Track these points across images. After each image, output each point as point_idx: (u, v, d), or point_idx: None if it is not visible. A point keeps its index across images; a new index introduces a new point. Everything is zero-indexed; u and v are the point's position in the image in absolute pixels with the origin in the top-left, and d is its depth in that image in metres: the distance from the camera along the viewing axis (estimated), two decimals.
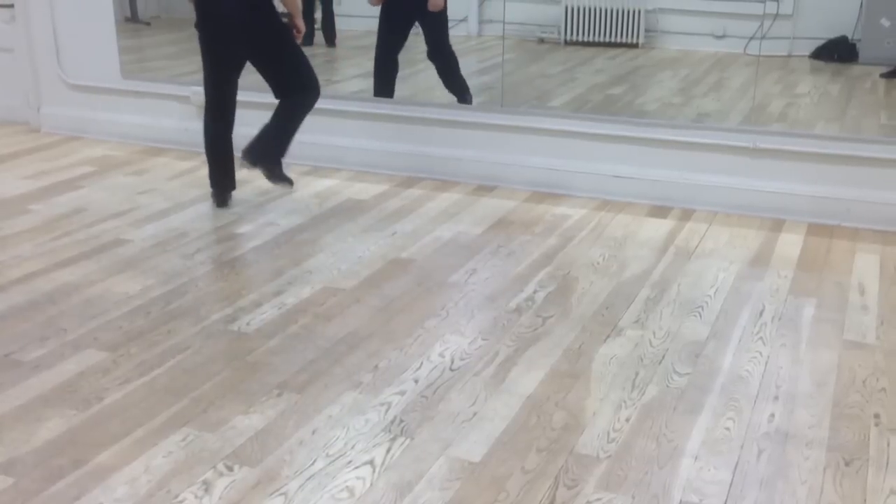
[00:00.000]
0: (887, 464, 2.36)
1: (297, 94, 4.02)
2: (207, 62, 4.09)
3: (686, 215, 4.24)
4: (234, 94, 4.17)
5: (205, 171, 4.87)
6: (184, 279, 3.49)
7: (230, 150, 4.21)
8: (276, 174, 4.12)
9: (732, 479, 2.29)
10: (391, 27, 5.00)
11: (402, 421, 2.54)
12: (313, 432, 2.48)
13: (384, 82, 5.03)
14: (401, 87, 5.08)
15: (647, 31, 5.82)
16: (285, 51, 4.01)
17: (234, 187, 4.33)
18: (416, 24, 5.01)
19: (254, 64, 4.04)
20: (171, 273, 3.54)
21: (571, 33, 5.95)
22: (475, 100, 4.97)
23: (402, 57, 5.04)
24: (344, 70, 5.94)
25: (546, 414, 2.58)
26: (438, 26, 5.00)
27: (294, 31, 4.06)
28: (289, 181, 4.18)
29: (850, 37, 5.23)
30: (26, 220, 4.12)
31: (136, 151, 5.24)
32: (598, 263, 3.67)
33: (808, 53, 5.36)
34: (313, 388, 2.71)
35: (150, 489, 2.23)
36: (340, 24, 5.86)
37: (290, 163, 4.89)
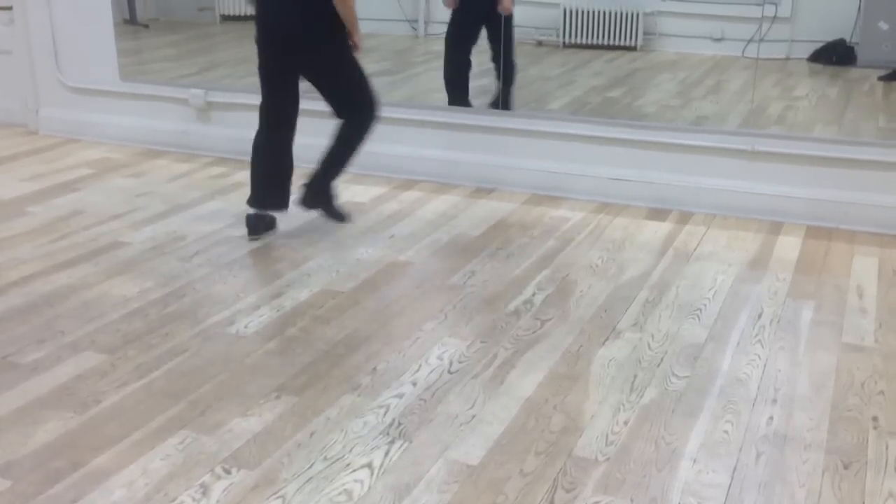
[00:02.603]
0: (886, 467, 2.36)
1: (350, 116, 3.81)
2: (261, 73, 3.80)
3: (684, 218, 4.24)
4: (292, 104, 3.83)
5: (203, 174, 4.89)
6: (182, 282, 3.48)
7: (279, 162, 3.91)
8: (331, 213, 3.95)
9: (731, 482, 2.29)
10: (461, 32, 4.96)
11: (400, 424, 2.54)
12: (311, 435, 2.48)
13: (459, 89, 4.95)
14: (399, 89, 5.08)
15: (645, 33, 5.82)
16: (343, 70, 3.73)
17: (281, 206, 3.93)
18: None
19: (308, 79, 3.78)
20: (170, 276, 3.54)
21: (570, 36, 5.95)
22: (473, 102, 4.97)
23: (399, 58, 5.03)
24: None
25: (544, 417, 2.58)
26: (504, 33, 4.92)
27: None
28: (344, 217, 3.99)
29: (848, 40, 5.23)
30: (24, 222, 4.11)
31: (135, 154, 5.24)
32: (596, 266, 3.67)
33: (806, 56, 5.36)
34: (311, 390, 2.71)
35: (147, 492, 2.23)
36: None
37: None
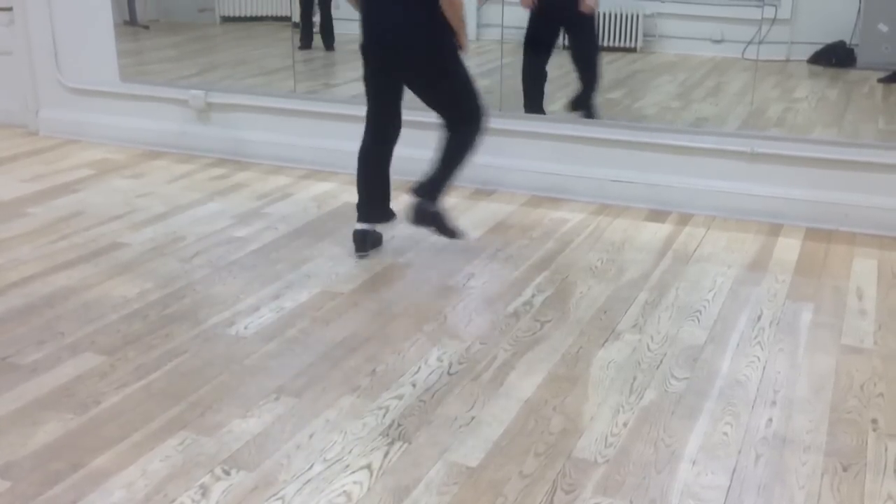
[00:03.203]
0: (885, 469, 2.36)
1: (458, 127, 3.64)
2: (366, 82, 3.70)
3: (684, 220, 4.24)
4: (396, 117, 3.74)
5: (203, 175, 4.89)
6: (182, 283, 3.48)
7: (379, 175, 3.78)
8: (444, 230, 3.70)
9: (730, 484, 2.29)
10: (538, 37, 4.88)
11: (399, 425, 2.54)
12: (311, 436, 2.48)
13: (535, 96, 4.86)
14: None
15: (645, 35, 5.82)
16: (448, 78, 3.60)
17: (383, 218, 3.82)
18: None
19: (414, 90, 3.65)
20: (169, 277, 3.54)
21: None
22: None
23: None
24: (342, 73, 5.94)
25: (544, 418, 2.58)
26: (585, 37, 4.84)
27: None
28: (460, 233, 3.76)
29: (847, 41, 5.24)
30: (24, 223, 4.11)
31: (135, 155, 5.24)
32: (596, 267, 3.67)
33: (805, 58, 5.37)
34: (311, 392, 2.71)
35: (147, 493, 2.23)
36: (338, 27, 5.86)
37: (288, 167, 4.91)
